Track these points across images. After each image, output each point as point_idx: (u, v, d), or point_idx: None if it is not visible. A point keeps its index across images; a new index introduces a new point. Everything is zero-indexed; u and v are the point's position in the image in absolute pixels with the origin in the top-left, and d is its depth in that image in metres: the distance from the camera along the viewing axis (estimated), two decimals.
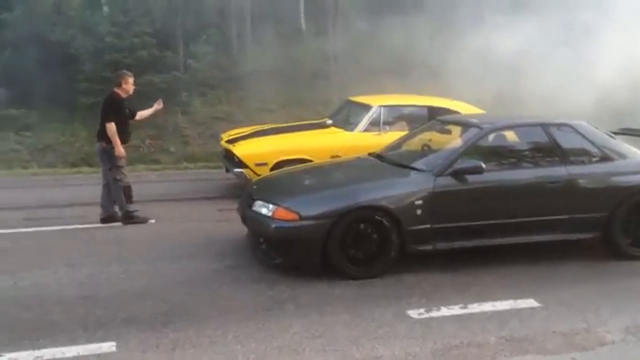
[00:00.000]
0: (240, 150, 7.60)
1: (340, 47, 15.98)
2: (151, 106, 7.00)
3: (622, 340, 3.77)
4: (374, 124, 7.87)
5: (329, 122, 8.27)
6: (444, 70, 12.98)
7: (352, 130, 7.90)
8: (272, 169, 7.24)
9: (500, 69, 11.38)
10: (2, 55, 13.48)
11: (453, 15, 14.43)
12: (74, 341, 3.66)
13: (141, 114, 6.91)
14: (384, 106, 8.03)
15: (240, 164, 7.49)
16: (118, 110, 6.44)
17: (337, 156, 7.18)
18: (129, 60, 13.24)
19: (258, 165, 7.34)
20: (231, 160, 7.76)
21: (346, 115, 8.48)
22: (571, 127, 5.44)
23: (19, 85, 12.70)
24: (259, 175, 7.27)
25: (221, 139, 8.56)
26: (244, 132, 8.50)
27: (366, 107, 8.10)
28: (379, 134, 7.70)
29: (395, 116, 8.14)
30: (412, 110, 8.30)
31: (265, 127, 8.81)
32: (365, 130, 7.82)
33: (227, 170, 8.04)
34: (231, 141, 8.06)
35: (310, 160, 7.31)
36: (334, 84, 14.37)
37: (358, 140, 7.59)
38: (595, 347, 3.67)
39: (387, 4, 15.71)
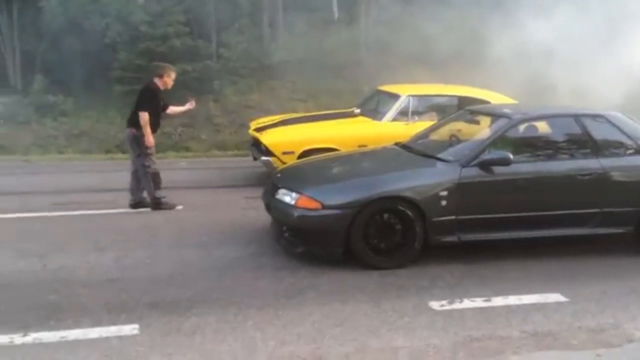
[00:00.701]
0: (268, 138, 7.63)
1: (372, 36, 15.84)
2: (183, 104, 7.07)
3: None
4: (403, 114, 7.80)
5: (357, 111, 8.24)
6: (477, 59, 12.74)
7: (380, 119, 7.85)
8: (299, 158, 7.23)
9: (534, 59, 11.11)
10: (40, 43, 13.82)
11: (488, 3, 14.09)
12: (97, 323, 3.73)
13: (172, 109, 6.98)
14: (413, 96, 7.94)
15: (268, 152, 7.51)
16: (153, 101, 6.51)
17: (365, 145, 7.10)
18: (162, 49, 13.45)
19: (285, 153, 7.36)
20: (259, 148, 7.80)
21: (375, 105, 8.42)
22: (605, 118, 5.26)
23: (56, 72, 13.03)
24: (285, 163, 7.29)
25: (249, 128, 8.60)
26: (272, 120, 8.52)
27: (395, 97, 8.03)
28: (407, 124, 7.63)
29: (424, 106, 8.04)
30: (441, 100, 8.19)
31: (294, 115, 8.81)
32: (393, 120, 7.76)
33: (255, 159, 8.08)
34: (259, 129, 8.09)
35: (337, 150, 7.29)
36: (365, 73, 14.26)
37: (386, 130, 7.54)
38: (622, 344, 3.56)
39: None
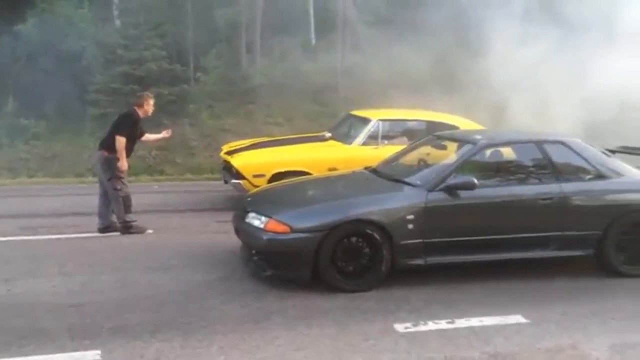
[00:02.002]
0: (238, 161, 7.69)
1: (349, 61, 16.10)
2: (159, 129, 7.28)
3: (608, 359, 3.74)
4: (373, 138, 7.92)
5: (328, 135, 8.34)
6: (450, 85, 13.02)
7: (350, 143, 7.96)
8: (269, 181, 7.32)
9: (506, 85, 11.40)
10: (14, 66, 13.75)
11: (462, 29, 14.47)
12: (60, 349, 3.71)
13: (148, 137, 7.08)
14: (383, 120, 8.08)
15: (238, 175, 7.57)
16: (132, 128, 6.61)
17: (335, 169, 7.23)
18: (138, 72, 13.48)
19: (256, 176, 7.42)
20: (230, 171, 7.85)
21: (347, 129, 8.54)
22: (565, 144, 5.43)
23: (29, 95, 12.93)
24: (256, 186, 7.35)
25: (221, 151, 8.65)
26: (243, 144, 8.59)
27: (365, 121, 8.17)
28: (377, 148, 7.74)
29: (394, 130, 8.18)
30: (411, 125, 8.35)
31: (265, 139, 8.88)
32: (363, 144, 7.87)
33: (226, 182, 8.11)
34: (230, 152, 8.15)
35: (308, 173, 7.38)
36: (342, 98, 14.46)
37: (356, 154, 7.65)
38: None
39: (397, 21, 15.80)
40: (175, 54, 15.16)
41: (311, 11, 17.20)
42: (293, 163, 7.56)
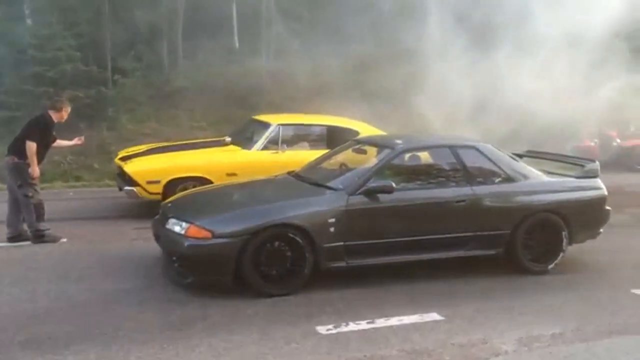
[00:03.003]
0: (131, 167, 7.47)
1: (273, 66, 16.12)
2: (72, 135, 6.94)
3: (515, 351, 3.97)
4: (273, 143, 7.83)
5: (228, 139, 8.22)
6: (370, 90, 13.35)
7: (250, 148, 7.82)
8: (165, 187, 7.23)
9: (423, 90, 11.83)
10: None
11: (383, 35, 14.87)
12: None
13: (59, 143, 6.78)
14: (283, 125, 8.02)
15: (131, 181, 7.36)
16: (44, 133, 6.32)
17: (234, 174, 7.21)
18: (51, 74, 12.93)
19: (150, 183, 7.26)
20: (124, 178, 7.56)
21: (250, 134, 8.34)
22: (476, 149, 5.72)
23: None
24: (151, 193, 7.25)
25: (117, 156, 8.34)
26: (140, 149, 8.31)
27: (266, 126, 8.07)
28: (276, 152, 7.74)
29: (294, 135, 8.18)
30: (311, 130, 8.41)
31: (163, 144, 8.61)
32: (263, 149, 7.78)
33: (120, 189, 7.76)
34: (125, 158, 7.87)
35: (206, 179, 7.32)
36: (267, 102, 14.43)
37: (255, 158, 7.62)
38: (489, 358, 3.85)
39: (320, 26, 16.00)
40: (92, 55, 14.62)
41: (234, 14, 17.08)
42: (190, 169, 7.43)
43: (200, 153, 7.91)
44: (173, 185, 7.24)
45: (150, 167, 7.47)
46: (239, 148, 7.93)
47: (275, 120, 8.18)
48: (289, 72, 15.99)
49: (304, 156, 7.69)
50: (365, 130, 8.22)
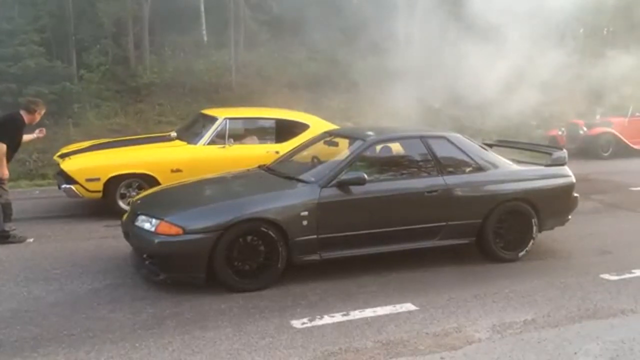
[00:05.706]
0: (69, 165, 7.22)
1: (242, 60, 15.97)
2: (33, 131, 6.70)
3: (488, 339, 4.01)
4: (220, 137, 7.62)
5: (174, 134, 7.99)
6: (341, 84, 13.35)
7: (196, 143, 7.61)
8: (106, 184, 7.09)
9: (393, 83, 11.89)
10: None
11: (352, 30, 14.86)
12: None
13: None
14: (230, 119, 7.82)
15: (70, 179, 7.14)
16: (16, 133, 6.18)
17: (179, 170, 7.10)
18: (14, 70, 12.53)
19: (89, 180, 7.08)
20: (63, 175, 7.28)
21: (200, 128, 8.06)
22: (447, 139, 5.75)
23: None
24: (91, 191, 7.11)
25: (56, 153, 8.06)
26: (82, 145, 8.05)
27: (212, 120, 7.82)
28: (223, 147, 7.56)
29: (241, 129, 8.04)
30: (259, 123, 8.25)
31: (106, 140, 8.36)
32: (210, 143, 7.57)
33: (59, 187, 7.43)
34: (63, 155, 7.61)
35: (150, 175, 7.19)
36: (236, 97, 14.30)
37: (201, 154, 7.45)
38: (463, 346, 3.88)
39: (289, 20, 15.91)
40: (56, 50, 14.25)
41: (202, 7, 16.84)
42: (132, 165, 7.24)
43: (143, 149, 7.66)
44: (114, 182, 7.08)
45: (90, 164, 7.22)
46: (185, 143, 7.69)
47: (222, 114, 7.94)
48: (258, 66, 15.88)
49: (251, 151, 7.67)
50: (316, 123, 8.12)
